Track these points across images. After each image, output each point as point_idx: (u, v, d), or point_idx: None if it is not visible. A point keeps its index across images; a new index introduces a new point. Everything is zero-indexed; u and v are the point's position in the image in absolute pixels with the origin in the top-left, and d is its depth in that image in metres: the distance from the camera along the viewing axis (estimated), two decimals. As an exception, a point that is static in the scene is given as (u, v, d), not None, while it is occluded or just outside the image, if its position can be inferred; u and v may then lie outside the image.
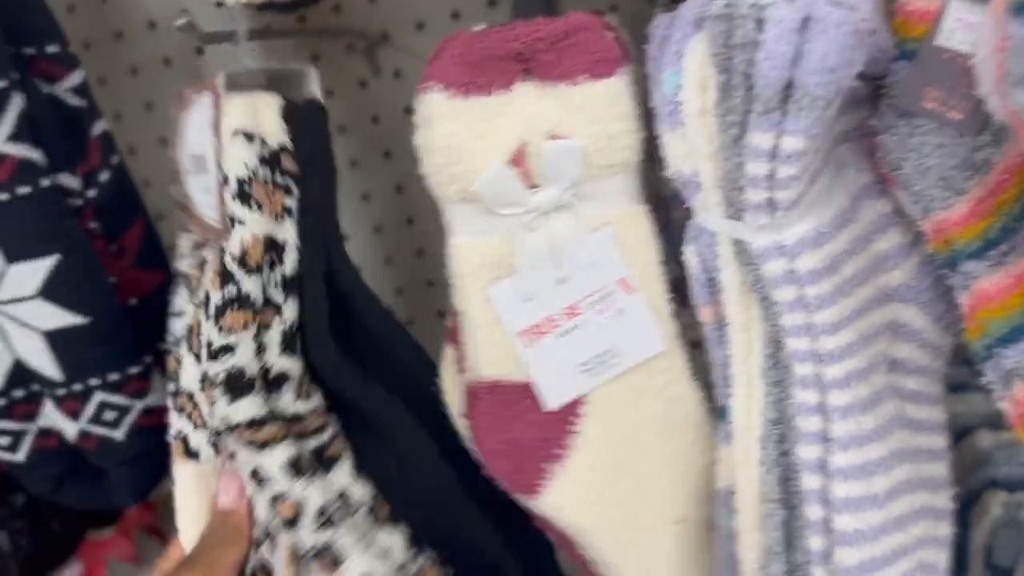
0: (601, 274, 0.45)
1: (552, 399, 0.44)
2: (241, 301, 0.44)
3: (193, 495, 0.49)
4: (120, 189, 0.55)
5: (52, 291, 0.51)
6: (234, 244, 0.44)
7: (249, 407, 0.44)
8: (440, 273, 0.50)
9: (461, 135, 0.41)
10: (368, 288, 0.48)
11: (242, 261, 0.44)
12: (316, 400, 0.46)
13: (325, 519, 0.44)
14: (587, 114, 0.42)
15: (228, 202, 0.43)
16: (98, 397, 0.54)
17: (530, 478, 0.44)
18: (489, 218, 0.43)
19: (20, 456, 0.57)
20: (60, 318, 0.52)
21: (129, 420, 0.55)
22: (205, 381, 0.45)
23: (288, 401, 0.45)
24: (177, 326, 0.49)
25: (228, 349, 0.44)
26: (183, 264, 0.50)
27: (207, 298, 0.45)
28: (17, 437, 0.56)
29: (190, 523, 0.49)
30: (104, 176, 0.54)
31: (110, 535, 0.79)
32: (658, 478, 0.47)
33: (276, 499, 0.44)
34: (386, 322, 0.49)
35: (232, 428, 0.44)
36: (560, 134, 0.42)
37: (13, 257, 0.50)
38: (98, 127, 0.54)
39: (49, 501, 0.65)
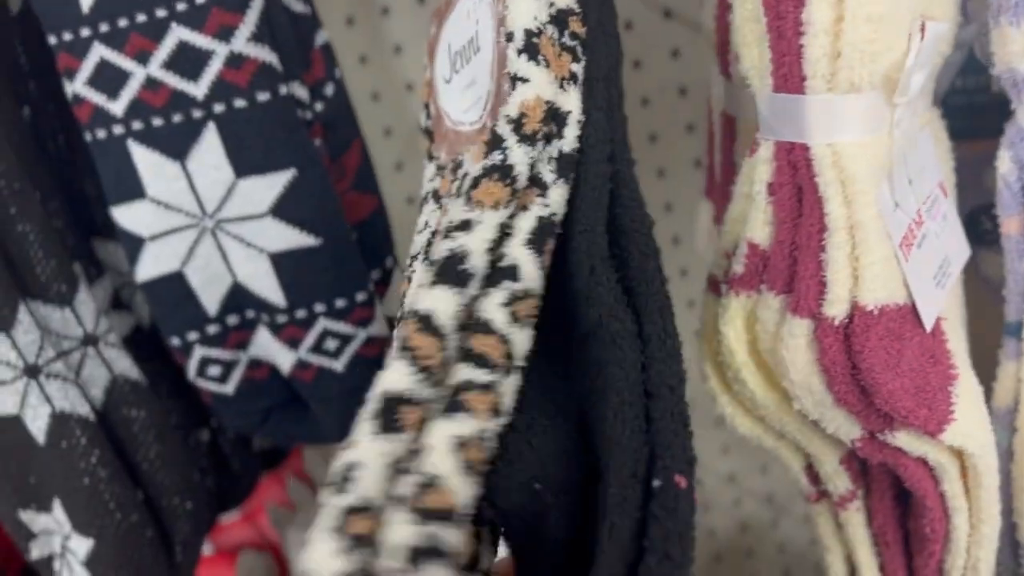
0: (929, 176, 0.42)
1: (928, 317, 0.40)
2: (503, 172, 0.36)
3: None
4: (342, 105, 0.52)
5: (285, 209, 0.48)
6: (512, 105, 0.37)
7: (442, 301, 0.34)
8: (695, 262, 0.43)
9: (891, 4, 0.36)
10: (641, 197, 0.40)
11: (518, 125, 0.37)
12: (517, 334, 0.35)
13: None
14: None
15: (512, 60, 0.37)
16: (322, 324, 0.51)
17: (943, 406, 0.40)
18: (881, 110, 0.38)
19: (229, 388, 0.54)
20: (290, 239, 0.48)
21: (351, 350, 0.52)
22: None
23: (492, 305, 0.35)
24: (417, 242, 0.43)
25: (466, 225, 0.36)
26: (428, 186, 0.46)
27: (463, 177, 0.38)
28: (228, 368, 0.53)
29: None
30: (329, 89, 0.50)
31: (264, 480, 0.77)
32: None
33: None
34: (646, 244, 0.39)
35: (404, 315, 0.35)
36: (927, 16, 0.38)
37: (245, 171, 0.47)
38: (320, 37, 0.50)
39: (241, 437, 0.63)
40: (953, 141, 0.48)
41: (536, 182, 0.37)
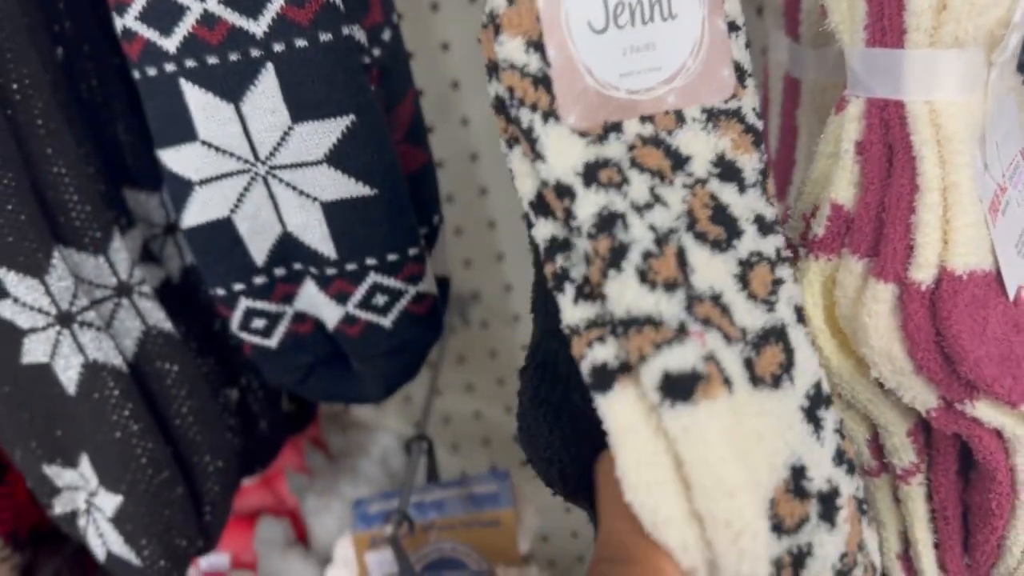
0: (1013, 142, 0.41)
1: (1012, 285, 0.39)
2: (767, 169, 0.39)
3: (730, 437, 0.34)
4: (399, 51, 0.50)
5: (341, 157, 0.46)
6: (753, 97, 0.39)
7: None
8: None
9: None
10: None
11: (761, 116, 0.39)
12: None
13: None
14: None
15: (738, 50, 0.39)
16: (372, 279, 0.49)
17: None
18: (980, 68, 0.37)
19: (273, 342, 0.52)
20: (345, 188, 0.46)
21: (399, 306, 0.50)
22: (756, 264, 0.38)
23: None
24: (657, 218, 0.36)
25: (777, 223, 0.39)
26: (609, 150, 0.37)
27: (728, 166, 0.38)
28: (273, 321, 0.51)
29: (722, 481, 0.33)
30: (386, 35, 0.49)
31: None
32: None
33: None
34: None
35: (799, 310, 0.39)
36: None
37: (302, 115, 0.45)
38: (377, -22, 0.49)
39: (271, 399, 0.61)
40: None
41: None
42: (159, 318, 0.53)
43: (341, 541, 0.59)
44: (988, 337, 0.39)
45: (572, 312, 0.36)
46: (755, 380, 0.36)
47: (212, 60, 0.45)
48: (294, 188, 0.47)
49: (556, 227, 0.36)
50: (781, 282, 0.38)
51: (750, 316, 0.37)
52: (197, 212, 0.48)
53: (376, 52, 0.48)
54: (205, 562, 0.67)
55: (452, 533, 0.61)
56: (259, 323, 0.51)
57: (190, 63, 0.45)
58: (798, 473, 0.37)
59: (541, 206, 0.37)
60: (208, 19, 0.44)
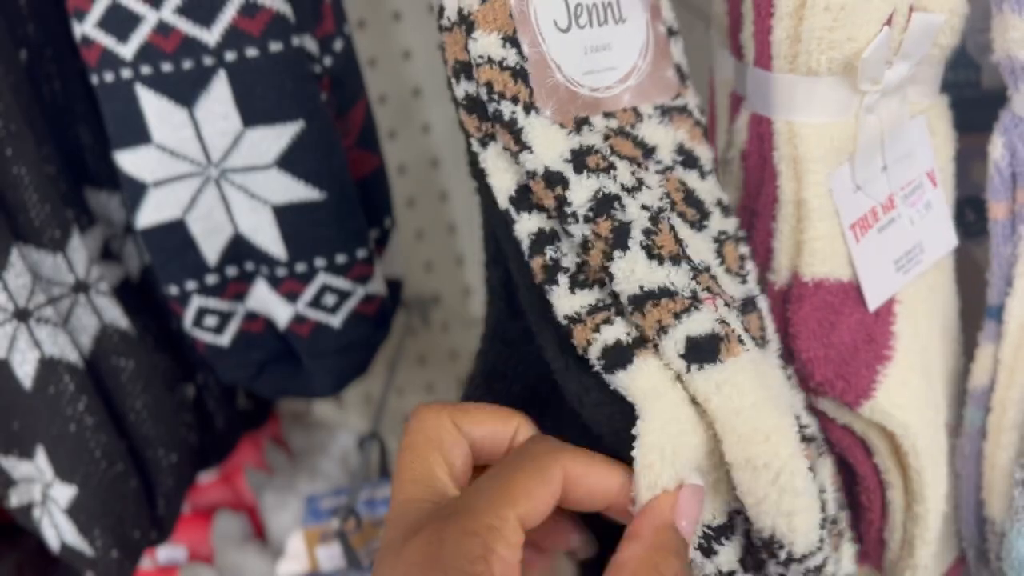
0: (915, 164, 0.43)
1: (873, 298, 0.42)
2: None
3: (756, 388, 0.34)
4: (350, 61, 0.52)
5: (291, 161, 0.48)
6: (695, 97, 0.41)
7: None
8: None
9: None
10: None
11: (703, 111, 0.42)
12: None
13: None
14: None
15: (676, 54, 0.41)
16: (321, 279, 0.51)
17: (863, 382, 0.42)
18: (845, 95, 0.40)
19: (225, 339, 0.54)
20: (295, 191, 0.48)
21: (348, 306, 0.52)
22: (725, 242, 0.40)
23: None
24: (646, 199, 0.37)
25: (732, 208, 0.41)
26: (590, 138, 0.38)
27: (688, 154, 0.41)
28: (225, 319, 0.53)
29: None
30: (338, 45, 0.50)
31: (242, 442, 0.77)
32: (938, 380, 0.46)
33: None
34: None
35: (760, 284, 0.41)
36: (920, 7, 0.39)
37: (253, 120, 0.47)
38: (330, -9, 0.51)
39: (226, 396, 0.63)
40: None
41: None
42: (115, 315, 0.54)
43: (293, 536, 0.61)
44: (832, 342, 0.42)
45: (570, 301, 0.36)
46: (753, 340, 0.37)
47: (167, 67, 0.47)
48: (245, 191, 0.49)
49: (542, 220, 0.37)
50: (745, 257, 0.40)
51: (732, 287, 0.39)
52: (151, 213, 0.50)
53: (328, 61, 0.50)
54: (162, 555, 0.68)
55: (402, 528, 0.62)
56: (211, 321, 0.53)
57: (145, 70, 0.47)
58: (797, 419, 0.36)
59: (524, 200, 0.37)
60: (163, 28, 0.46)
